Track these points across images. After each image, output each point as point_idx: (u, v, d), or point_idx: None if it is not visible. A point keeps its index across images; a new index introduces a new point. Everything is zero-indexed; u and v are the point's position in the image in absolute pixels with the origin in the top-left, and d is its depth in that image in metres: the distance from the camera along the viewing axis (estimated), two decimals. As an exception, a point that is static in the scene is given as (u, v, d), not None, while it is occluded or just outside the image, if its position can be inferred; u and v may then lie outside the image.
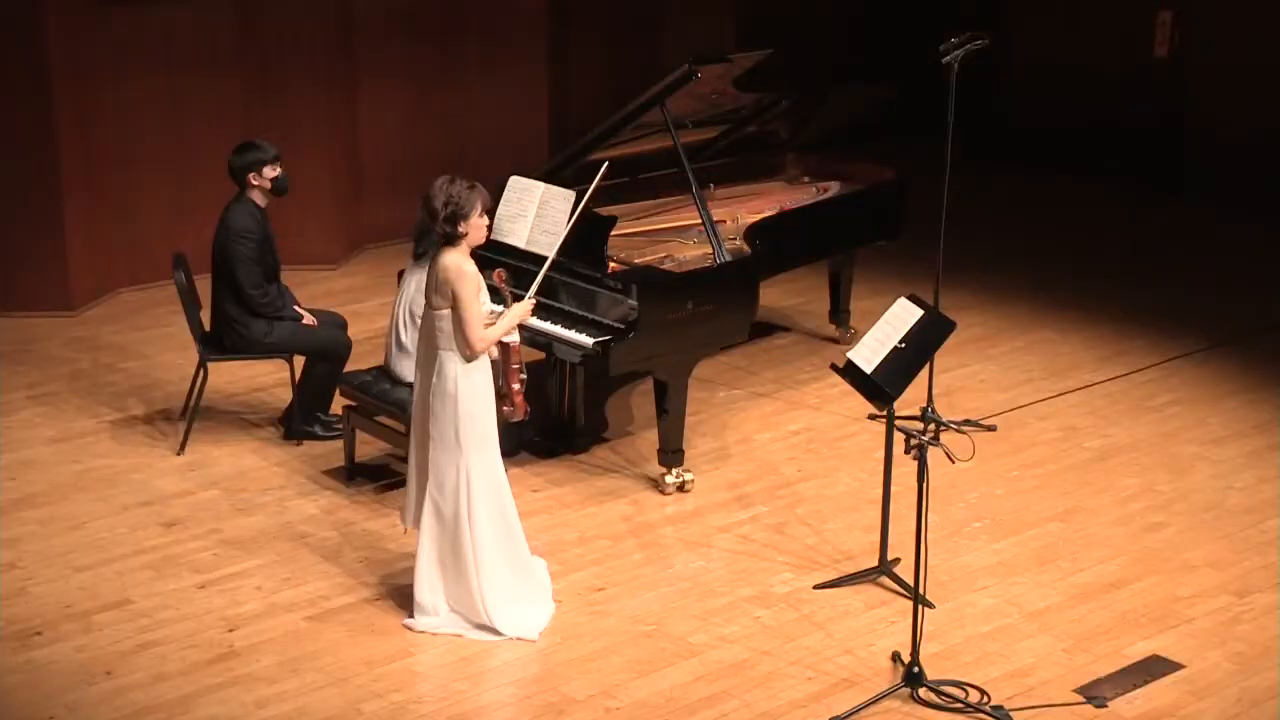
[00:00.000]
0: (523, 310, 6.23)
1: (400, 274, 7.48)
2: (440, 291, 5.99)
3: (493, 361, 6.18)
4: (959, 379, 8.72)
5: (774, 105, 8.73)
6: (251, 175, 7.60)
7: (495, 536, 6.16)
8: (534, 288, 6.38)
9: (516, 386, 6.28)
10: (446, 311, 5.99)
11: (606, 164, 6.94)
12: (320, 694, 5.82)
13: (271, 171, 7.62)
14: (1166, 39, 12.23)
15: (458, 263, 5.96)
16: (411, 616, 6.26)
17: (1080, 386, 8.67)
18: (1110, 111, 12.55)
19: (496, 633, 6.16)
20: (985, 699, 5.76)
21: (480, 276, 6.01)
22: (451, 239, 6.00)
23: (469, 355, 5.99)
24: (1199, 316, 9.66)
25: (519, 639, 6.15)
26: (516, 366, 6.28)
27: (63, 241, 9.53)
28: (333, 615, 6.34)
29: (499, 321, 6.11)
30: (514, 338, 6.27)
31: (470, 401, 6.04)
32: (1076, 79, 12.72)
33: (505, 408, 6.25)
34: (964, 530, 7.08)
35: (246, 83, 10.12)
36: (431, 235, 6.43)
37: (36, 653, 6.06)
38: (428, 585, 6.21)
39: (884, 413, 6.25)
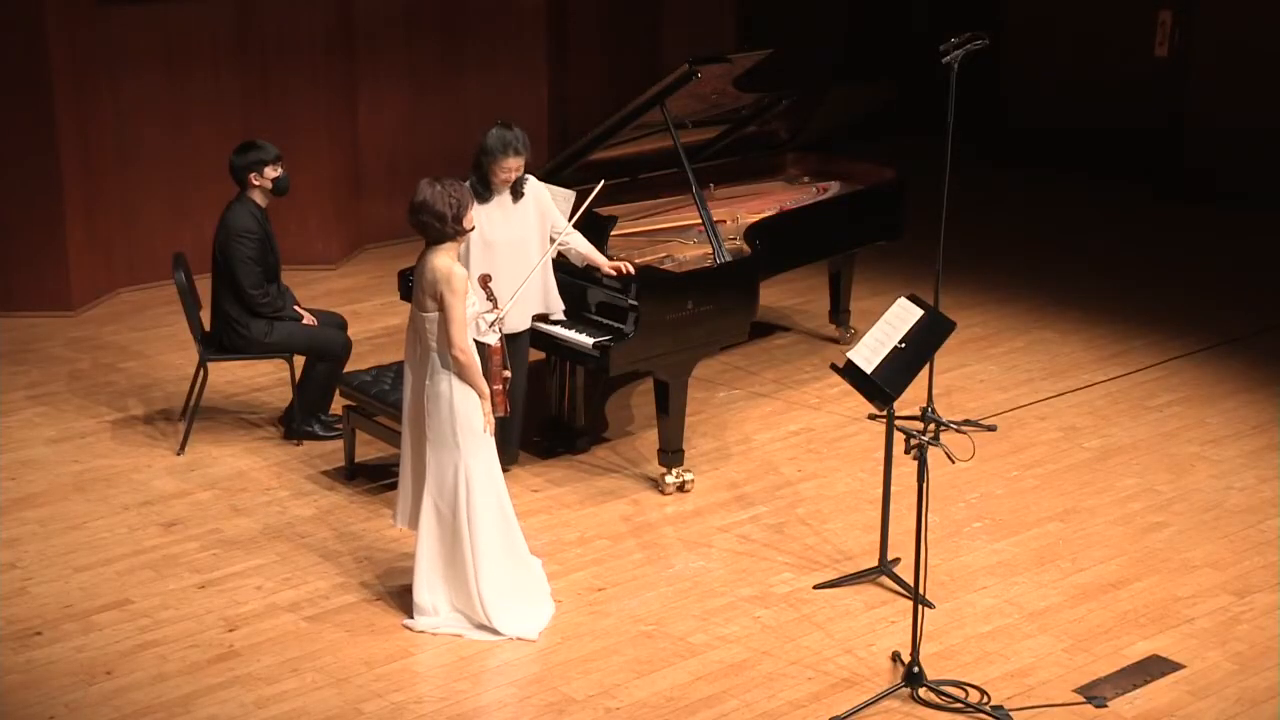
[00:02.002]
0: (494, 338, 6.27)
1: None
2: (430, 292, 5.99)
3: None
4: (959, 379, 8.72)
5: (774, 105, 8.73)
6: (252, 175, 7.60)
7: (495, 536, 6.16)
8: (512, 299, 6.47)
9: (499, 387, 6.27)
10: (435, 314, 6.00)
11: (602, 182, 6.98)
12: (320, 694, 5.82)
13: (272, 172, 7.62)
14: (1166, 39, 12.23)
15: (448, 265, 5.96)
16: (411, 618, 6.26)
17: (1080, 386, 8.67)
18: (1110, 111, 12.55)
19: (496, 633, 6.16)
20: (985, 699, 5.76)
21: (467, 278, 6.03)
22: (456, 236, 6.01)
23: (450, 357, 5.98)
24: (1199, 316, 9.66)
25: (519, 639, 6.15)
26: (497, 367, 6.28)
27: (63, 241, 9.53)
28: (332, 615, 6.34)
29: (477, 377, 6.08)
30: (494, 339, 6.26)
31: (464, 400, 6.04)
32: (1076, 79, 12.72)
33: (485, 405, 6.24)
34: (964, 530, 7.08)
35: (246, 83, 10.13)
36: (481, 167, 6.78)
37: (36, 653, 6.06)
38: (427, 586, 6.21)
39: (884, 413, 6.25)
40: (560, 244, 7.02)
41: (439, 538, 6.17)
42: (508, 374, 6.33)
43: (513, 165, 6.84)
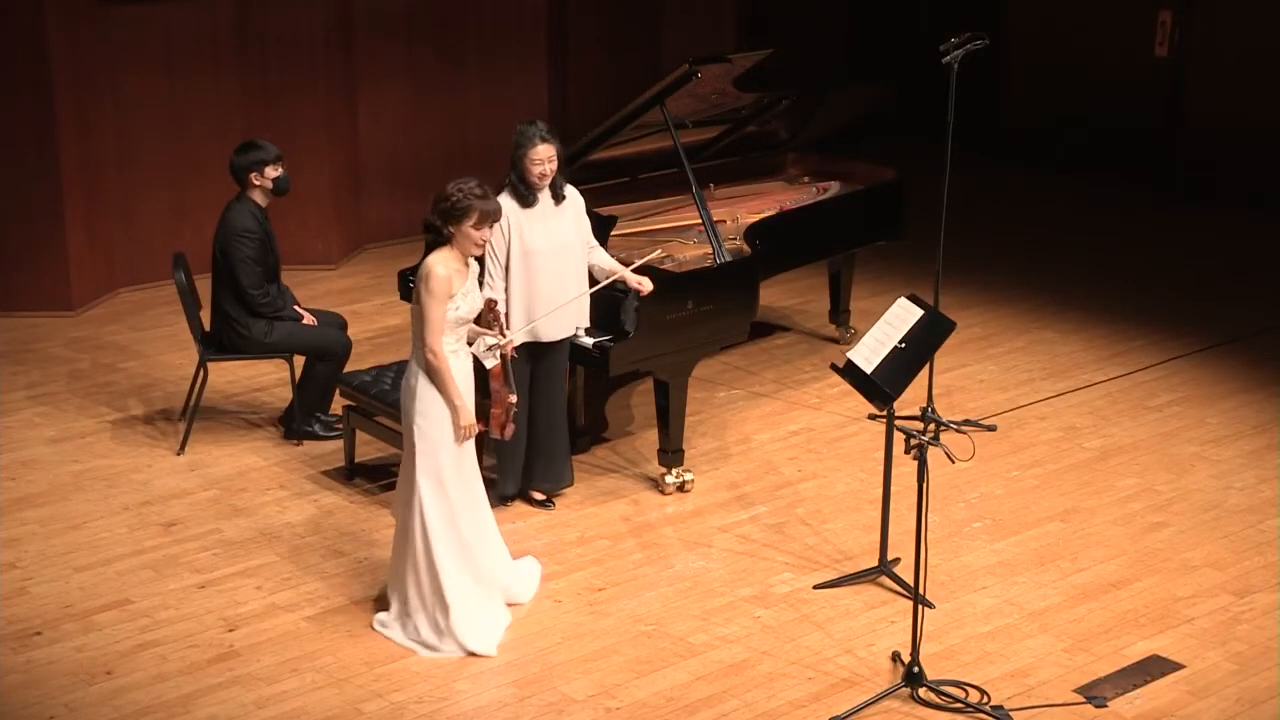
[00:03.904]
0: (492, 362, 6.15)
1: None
2: (418, 288, 5.94)
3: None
4: (959, 379, 8.72)
5: (774, 105, 8.73)
6: (253, 175, 7.60)
7: (445, 548, 6.00)
8: (521, 330, 6.46)
9: (497, 410, 6.17)
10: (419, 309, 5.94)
11: (659, 251, 7.14)
12: (320, 694, 5.82)
13: (273, 171, 7.62)
14: (1166, 39, 12.24)
15: (431, 264, 5.86)
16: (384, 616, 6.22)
17: (1080, 386, 8.67)
18: (1110, 111, 12.56)
19: (448, 646, 6.03)
20: (985, 699, 5.76)
21: (453, 282, 5.88)
22: (438, 235, 5.92)
23: (425, 357, 5.90)
24: (1199, 316, 9.66)
25: (475, 654, 6.03)
26: (499, 389, 6.18)
27: (63, 241, 9.53)
28: (333, 615, 6.34)
29: (450, 378, 5.92)
30: (491, 363, 6.15)
31: (427, 403, 5.93)
32: (1076, 79, 12.72)
33: (481, 425, 6.13)
34: (964, 530, 7.08)
35: (246, 83, 10.13)
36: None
37: (36, 653, 6.06)
38: (393, 578, 6.17)
39: (884, 413, 6.25)
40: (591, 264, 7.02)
41: (401, 540, 6.12)
42: (513, 399, 6.24)
43: (544, 154, 6.71)
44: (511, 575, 6.41)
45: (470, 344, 6.14)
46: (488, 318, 6.19)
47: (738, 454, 7.82)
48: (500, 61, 11.13)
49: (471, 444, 6.11)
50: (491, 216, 5.94)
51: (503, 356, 6.22)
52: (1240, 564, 6.77)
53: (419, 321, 5.95)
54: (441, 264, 5.89)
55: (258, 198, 7.65)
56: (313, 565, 6.72)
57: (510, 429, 6.31)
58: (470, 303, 6.01)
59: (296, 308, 7.83)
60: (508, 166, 6.83)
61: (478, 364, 6.17)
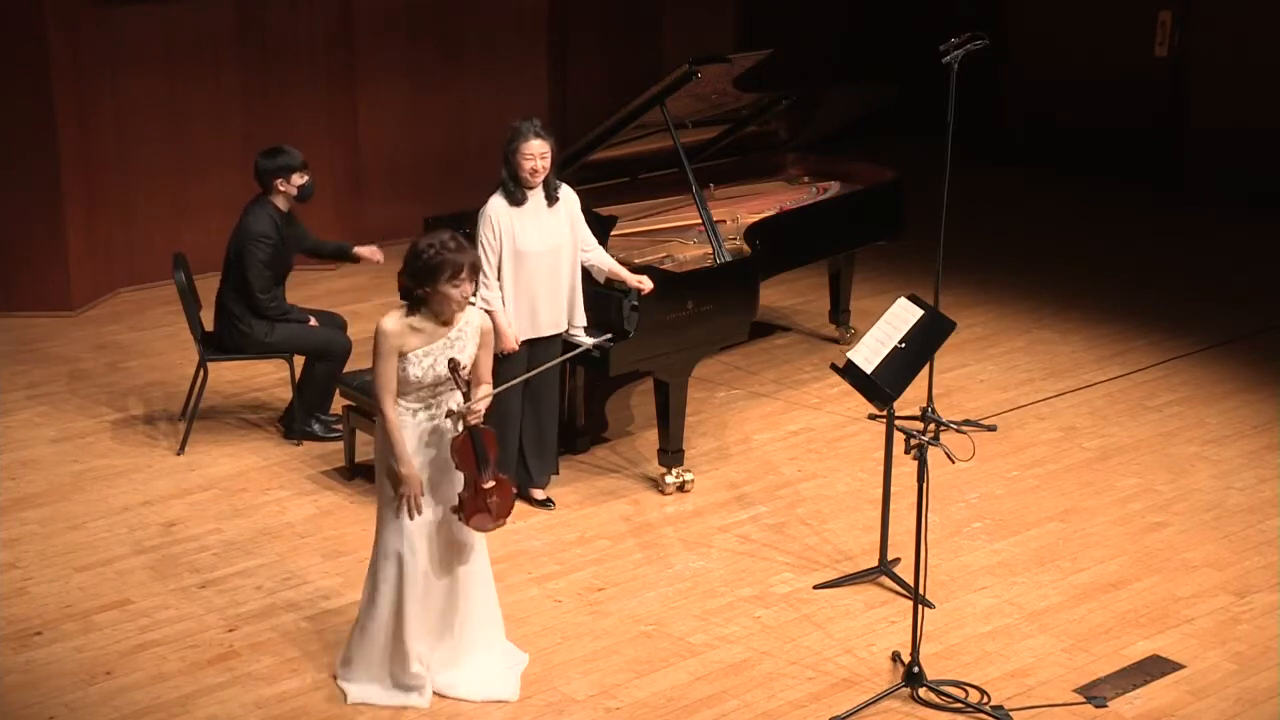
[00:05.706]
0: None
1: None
2: None
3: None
4: (959, 379, 8.72)
5: (774, 105, 8.73)
6: (279, 180, 7.59)
7: (373, 604, 5.70)
8: (486, 396, 5.59)
9: (465, 494, 5.49)
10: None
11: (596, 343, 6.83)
12: (320, 694, 5.82)
13: (299, 179, 7.62)
14: (1166, 39, 12.24)
15: (382, 319, 5.42)
16: None
17: (1080, 386, 8.67)
18: (1110, 111, 12.55)
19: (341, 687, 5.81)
20: (985, 699, 5.76)
21: (405, 338, 5.39)
22: (412, 298, 5.45)
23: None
24: (1199, 316, 9.65)
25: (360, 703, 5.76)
26: (467, 462, 5.46)
27: (63, 241, 9.54)
28: (333, 615, 6.33)
29: (396, 442, 5.43)
30: (453, 431, 5.50)
31: (386, 457, 5.55)
32: (1076, 79, 12.72)
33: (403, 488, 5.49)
34: (964, 530, 7.08)
35: (246, 83, 10.13)
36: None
37: (36, 653, 6.06)
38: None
39: (884, 413, 6.25)
40: (586, 261, 7.00)
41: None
42: (489, 484, 5.48)
43: (536, 149, 6.70)
44: (457, 670, 5.83)
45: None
46: (450, 379, 5.47)
47: (738, 454, 7.82)
48: (500, 61, 11.13)
49: (433, 523, 5.61)
50: (470, 268, 5.40)
51: (473, 430, 5.46)
52: (1240, 564, 6.77)
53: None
54: (395, 320, 5.42)
55: (279, 202, 7.65)
56: (313, 565, 6.72)
57: (489, 521, 5.54)
58: (423, 367, 5.44)
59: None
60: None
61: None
